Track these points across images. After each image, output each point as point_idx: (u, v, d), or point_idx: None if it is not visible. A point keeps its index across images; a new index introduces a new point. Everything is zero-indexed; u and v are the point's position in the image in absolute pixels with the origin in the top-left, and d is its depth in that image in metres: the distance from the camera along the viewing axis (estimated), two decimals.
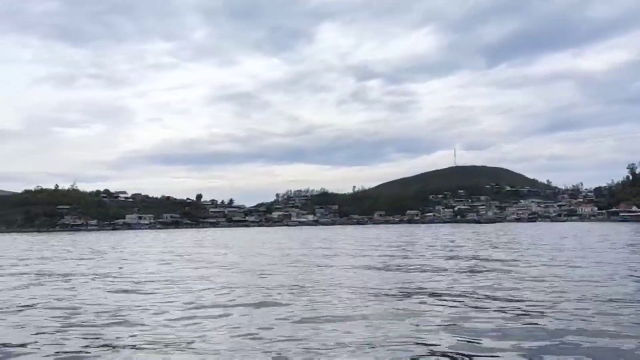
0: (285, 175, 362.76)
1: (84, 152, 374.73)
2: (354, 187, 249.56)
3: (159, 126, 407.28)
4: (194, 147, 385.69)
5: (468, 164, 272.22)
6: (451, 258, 26.61)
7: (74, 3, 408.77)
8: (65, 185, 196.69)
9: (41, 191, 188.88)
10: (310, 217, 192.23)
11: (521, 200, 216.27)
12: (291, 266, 23.57)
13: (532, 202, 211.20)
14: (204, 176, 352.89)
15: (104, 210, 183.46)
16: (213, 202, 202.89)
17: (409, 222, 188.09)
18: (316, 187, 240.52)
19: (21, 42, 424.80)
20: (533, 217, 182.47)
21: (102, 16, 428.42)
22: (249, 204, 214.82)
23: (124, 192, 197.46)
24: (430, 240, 50.40)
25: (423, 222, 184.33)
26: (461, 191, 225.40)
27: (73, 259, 32.96)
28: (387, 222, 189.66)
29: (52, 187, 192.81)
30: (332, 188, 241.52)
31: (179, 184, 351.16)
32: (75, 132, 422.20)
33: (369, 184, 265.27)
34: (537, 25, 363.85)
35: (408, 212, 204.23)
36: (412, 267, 21.71)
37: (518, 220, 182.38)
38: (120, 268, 24.68)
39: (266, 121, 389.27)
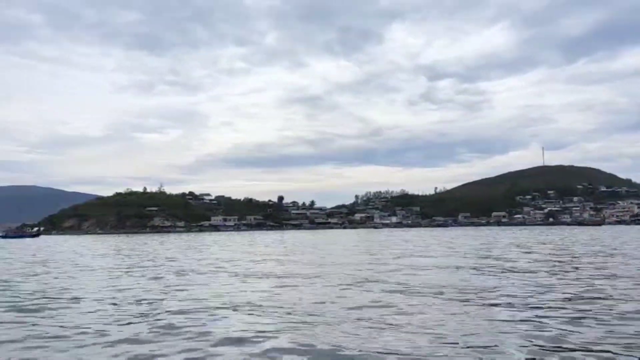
0: (357, 176, 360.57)
1: (162, 156, 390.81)
2: (436, 188, 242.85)
3: (232, 130, 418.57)
4: (265, 150, 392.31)
5: (554, 164, 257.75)
6: None
7: (153, 12, 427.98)
8: (152, 188, 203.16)
9: (131, 194, 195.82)
10: (394, 219, 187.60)
11: (619, 202, 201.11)
12: None
13: (632, 203, 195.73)
14: (276, 178, 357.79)
15: (189, 212, 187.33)
16: (294, 204, 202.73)
17: (497, 224, 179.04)
18: (394, 189, 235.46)
19: (105, 52, 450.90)
20: (638, 219, 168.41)
21: (179, 24, 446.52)
22: (326, 205, 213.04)
23: (209, 194, 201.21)
24: None
25: (512, 224, 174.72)
26: (551, 192, 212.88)
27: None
28: (472, 224, 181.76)
29: (141, 190, 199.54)
30: (407, 189, 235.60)
31: (253, 187, 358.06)
32: (154, 137, 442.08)
33: (445, 185, 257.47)
34: (620, 16, 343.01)
35: (494, 213, 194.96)
36: None
37: (619, 222, 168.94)
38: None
39: (336, 123, 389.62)
